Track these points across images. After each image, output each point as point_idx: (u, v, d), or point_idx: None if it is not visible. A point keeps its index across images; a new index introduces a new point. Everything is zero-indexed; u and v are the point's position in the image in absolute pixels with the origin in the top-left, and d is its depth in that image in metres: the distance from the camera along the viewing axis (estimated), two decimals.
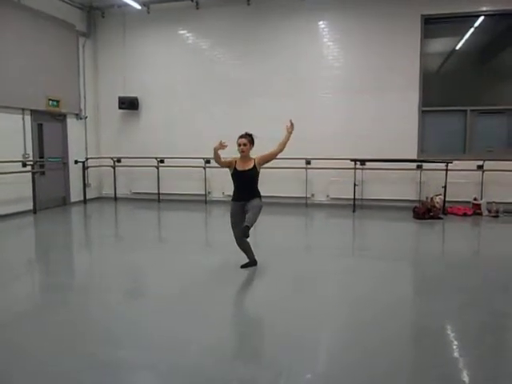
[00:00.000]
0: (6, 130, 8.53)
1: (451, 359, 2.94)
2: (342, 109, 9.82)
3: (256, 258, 4.98)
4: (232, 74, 10.39)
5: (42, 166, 9.57)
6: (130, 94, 10.89)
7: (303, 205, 9.94)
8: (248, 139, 4.90)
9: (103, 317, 3.72)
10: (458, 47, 9.61)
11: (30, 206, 8.95)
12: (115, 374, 2.72)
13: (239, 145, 4.88)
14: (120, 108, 10.89)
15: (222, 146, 4.74)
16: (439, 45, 9.91)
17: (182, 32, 10.67)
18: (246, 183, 4.90)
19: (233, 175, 4.96)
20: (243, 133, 4.97)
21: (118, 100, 10.83)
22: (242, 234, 4.60)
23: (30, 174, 8.85)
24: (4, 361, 2.90)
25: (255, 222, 4.70)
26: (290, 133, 5.13)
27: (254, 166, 4.89)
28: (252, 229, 4.60)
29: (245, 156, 4.91)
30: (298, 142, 9.86)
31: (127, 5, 10.19)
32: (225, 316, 3.81)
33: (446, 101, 9.63)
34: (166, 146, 10.72)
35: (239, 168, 4.90)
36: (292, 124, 5.10)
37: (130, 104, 10.85)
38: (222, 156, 4.87)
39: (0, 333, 3.36)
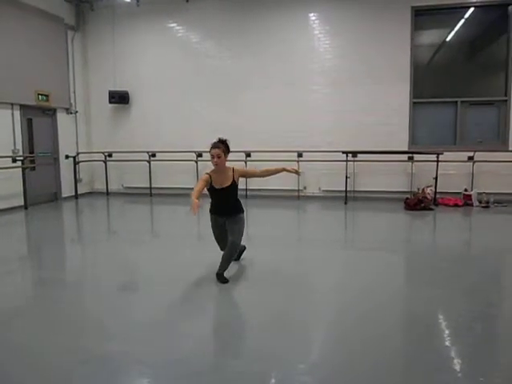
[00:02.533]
0: None
1: (443, 348, 2.97)
2: (333, 101, 9.83)
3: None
4: (222, 67, 10.35)
5: (32, 162, 9.49)
6: (120, 87, 10.81)
7: (295, 197, 9.96)
8: (222, 148, 4.17)
9: (96, 311, 3.72)
10: (448, 39, 9.64)
11: (21, 202, 8.89)
12: (108, 367, 2.72)
13: (212, 156, 4.17)
14: (110, 102, 10.82)
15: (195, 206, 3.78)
16: (430, 36, 9.93)
17: (171, 25, 10.60)
18: (225, 200, 4.32)
19: (209, 191, 4.29)
20: (216, 140, 4.25)
21: (108, 94, 10.76)
22: (221, 280, 4.19)
23: (20, 169, 8.78)
24: None
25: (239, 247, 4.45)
26: (287, 171, 4.41)
27: (233, 181, 4.27)
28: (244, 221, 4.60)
29: (220, 169, 4.26)
30: (289, 134, 9.98)
31: None
32: (218, 309, 3.82)
33: (437, 92, 9.67)
34: (157, 140, 10.68)
35: (216, 185, 4.22)
36: (297, 172, 4.60)
37: (120, 98, 10.78)
38: (197, 189, 4.03)
39: None
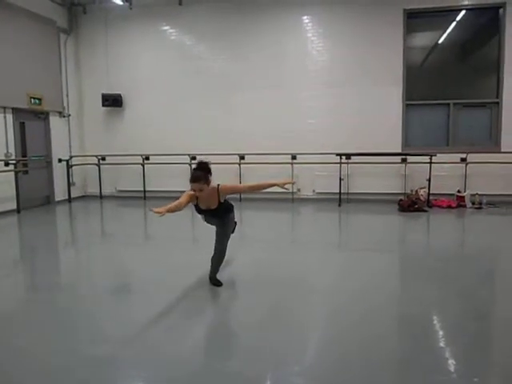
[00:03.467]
0: None
1: (437, 348, 2.98)
2: (326, 103, 9.86)
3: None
4: (216, 69, 10.35)
5: (25, 165, 9.44)
6: (113, 91, 10.78)
7: (289, 200, 9.96)
8: (202, 182, 3.81)
9: (91, 314, 3.70)
10: (440, 41, 9.71)
11: (14, 206, 8.82)
12: (104, 370, 2.71)
13: (194, 190, 3.85)
14: (104, 105, 10.78)
15: (157, 212, 3.58)
16: (422, 39, 9.99)
17: (165, 28, 10.59)
18: (213, 216, 4.15)
19: (195, 207, 4.09)
20: (193, 171, 3.95)
21: (101, 97, 10.72)
22: (214, 282, 4.21)
23: (12, 173, 8.72)
24: None
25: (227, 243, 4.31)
26: (278, 185, 4.09)
27: (219, 203, 3.99)
28: (238, 224, 4.59)
29: (204, 197, 3.94)
30: (283, 137, 9.99)
31: (109, 0, 10.09)
32: (212, 311, 3.82)
33: (430, 94, 9.73)
34: (150, 143, 10.65)
35: (202, 206, 4.02)
36: (290, 183, 4.24)
37: (113, 101, 10.74)
38: (174, 203, 3.77)
39: None
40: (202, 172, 3.85)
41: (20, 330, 3.36)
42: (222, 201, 4.01)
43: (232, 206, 4.27)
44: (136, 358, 2.87)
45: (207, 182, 3.85)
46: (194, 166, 4.10)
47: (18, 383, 2.61)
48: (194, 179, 3.82)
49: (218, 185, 3.98)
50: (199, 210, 4.09)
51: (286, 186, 3.91)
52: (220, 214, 4.12)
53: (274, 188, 4.13)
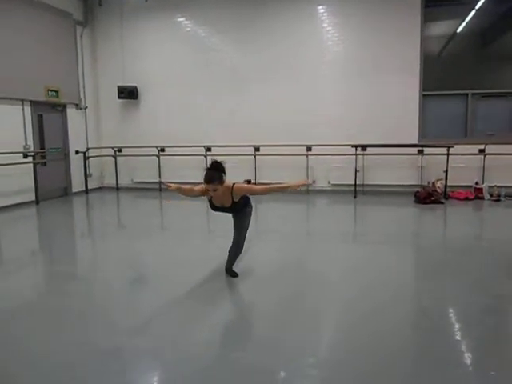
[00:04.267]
0: (6, 122, 8.50)
1: (453, 342, 2.96)
2: (342, 94, 9.77)
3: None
4: (231, 60, 10.33)
5: (43, 157, 9.58)
6: (128, 83, 10.84)
7: (304, 191, 9.94)
8: (216, 182, 3.78)
9: (106, 304, 3.77)
10: (459, 30, 9.52)
11: (33, 197, 8.98)
12: (119, 361, 2.76)
13: (208, 190, 3.84)
14: (119, 97, 10.85)
15: (166, 185, 3.90)
16: (440, 28, 9.81)
17: (180, 19, 10.58)
18: (228, 213, 4.21)
19: (209, 202, 4.10)
20: (206, 170, 3.87)
21: (117, 89, 10.79)
22: (230, 273, 4.25)
23: (31, 165, 8.86)
24: (8, 349, 2.94)
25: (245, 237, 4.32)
26: (292, 188, 4.06)
27: (233, 202, 3.98)
28: (254, 216, 4.59)
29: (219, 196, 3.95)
30: (298, 128, 9.95)
31: None
32: (227, 303, 3.85)
33: (447, 85, 9.57)
34: (166, 135, 10.70)
35: (216, 203, 4.04)
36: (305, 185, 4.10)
37: (129, 93, 10.81)
38: (187, 187, 4.01)
39: (5, 321, 3.39)
40: (215, 172, 3.82)
41: (35, 319, 3.43)
42: (236, 200, 3.98)
43: (249, 200, 4.24)
44: (150, 349, 2.91)
45: (221, 182, 3.82)
46: (209, 161, 4.12)
47: (32, 371, 2.67)
48: (208, 180, 3.79)
49: (233, 184, 3.93)
50: (214, 207, 4.11)
51: (298, 187, 3.81)
52: (234, 211, 4.15)
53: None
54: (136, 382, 2.52)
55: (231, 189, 3.91)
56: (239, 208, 4.10)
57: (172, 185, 3.85)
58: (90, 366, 2.69)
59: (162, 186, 3.52)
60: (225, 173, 3.87)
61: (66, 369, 2.67)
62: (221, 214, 4.25)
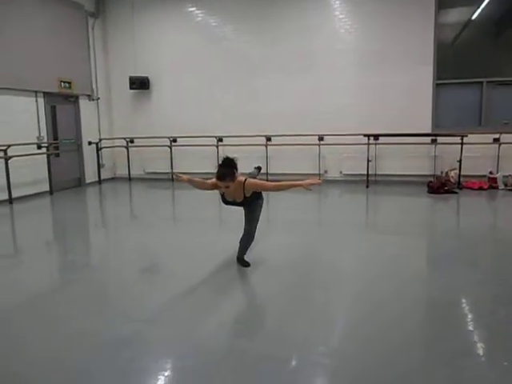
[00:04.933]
0: (20, 113, 8.60)
1: (465, 332, 2.95)
2: (354, 83, 9.68)
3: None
4: (243, 50, 10.28)
5: (56, 148, 9.67)
6: (140, 73, 10.86)
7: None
8: (228, 179, 3.79)
9: (120, 293, 3.82)
10: (473, 17, 9.34)
11: (47, 188, 9.10)
12: (132, 348, 2.80)
13: (220, 186, 3.88)
14: (131, 88, 10.88)
15: (178, 176, 3.99)
16: (454, 15, 9.63)
17: (191, 9, 10.54)
18: (240, 207, 4.22)
19: (222, 196, 4.13)
20: (218, 167, 3.88)
21: (128, 80, 10.82)
22: (242, 263, 4.28)
23: (45, 156, 8.96)
24: (23, 335, 3.00)
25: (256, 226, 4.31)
26: (303, 186, 3.76)
27: (245, 197, 4.00)
28: (265, 205, 4.59)
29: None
30: (310, 118, 9.89)
31: None
32: (239, 293, 3.87)
33: (462, 73, 9.41)
34: (178, 125, 10.73)
35: (228, 198, 4.08)
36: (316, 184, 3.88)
37: (140, 84, 10.83)
38: (198, 179, 4.05)
39: (20, 310, 3.46)
40: (227, 169, 3.82)
41: (50, 308, 3.49)
42: (248, 196, 4.00)
43: (260, 192, 4.24)
44: (163, 337, 2.95)
45: (233, 178, 3.82)
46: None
47: (47, 356, 2.73)
48: (220, 177, 3.79)
49: (245, 180, 3.93)
50: (225, 202, 4.14)
51: (310, 187, 3.79)
52: (246, 205, 4.17)
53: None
54: (148, 370, 2.55)
55: (243, 185, 3.92)
56: (251, 201, 4.12)
57: (184, 176, 3.94)
58: (104, 354, 2.74)
59: (174, 177, 3.55)
60: (237, 169, 3.87)
61: (79, 355, 2.72)
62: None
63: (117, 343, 2.85)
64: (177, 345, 2.84)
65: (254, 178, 4.49)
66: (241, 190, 3.95)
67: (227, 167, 3.82)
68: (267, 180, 4.97)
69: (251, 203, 4.16)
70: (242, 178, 3.94)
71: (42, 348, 2.84)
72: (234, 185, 3.87)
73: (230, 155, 4.01)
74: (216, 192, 4.17)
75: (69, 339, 2.94)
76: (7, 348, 2.85)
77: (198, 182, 4.03)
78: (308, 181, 3.81)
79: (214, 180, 3.90)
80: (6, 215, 7.38)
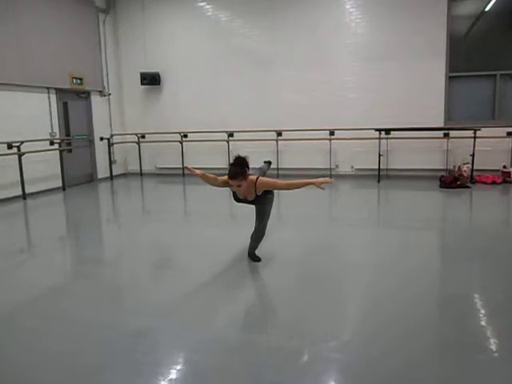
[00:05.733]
0: (32, 110, 8.68)
1: (479, 328, 2.93)
2: (365, 77, 9.61)
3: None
4: (253, 45, 10.25)
5: (68, 144, 9.76)
6: (151, 69, 10.89)
7: (327, 176, 9.87)
8: (240, 178, 3.82)
9: (133, 287, 3.85)
10: (487, 9, 9.20)
11: (59, 184, 9.19)
12: (146, 341, 2.82)
13: (232, 185, 3.92)
14: (142, 84, 10.92)
15: (191, 170, 4.04)
16: (467, 7, 9.50)
17: (201, 4, 10.53)
18: (251, 204, 4.22)
19: (233, 194, 4.17)
20: (230, 166, 3.88)
21: (139, 76, 10.85)
22: (253, 258, 4.28)
23: (57, 152, 9.04)
24: (37, 330, 3.04)
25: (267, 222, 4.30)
26: (315, 184, 3.83)
27: (257, 196, 4.04)
28: (276, 199, 4.59)
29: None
30: (321, 112, 9.85)
31: None
32: (250, 287, 3.88)
33: (475, 66, 9.30)
34: (188, 121, 10.75)
35: (240, 196, 4.10)
36: (328, 183, 3.95)
37: (151, 79, 10.86)
38: (210, 175, 4.04)
39: (34, 304, 3.51)
40: (239, 168, 3.84)
41: (63, 302, 3.53)
42: (259, 194, 4.03)
43: (271, 191, 4.26)
44: (175, 331, 2.97)
45: (245, 177, 3.86)
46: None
47: (61, 352, 2.76)
48: (232, 176, 3.82)
49: (257, 179, 3.96)
50: (237, 199, 4.18)
51: (322, 186, 3.81)
52: (257, 202, 4.18)
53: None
54: (162, 363, 2.58)
55: (255, 183, 3.95)
56: (261, 199, 4.14)
57: (197, 170, 3.98)
58: (119, 346, 2.77)
59: (186, 171, 3.57)
60: (248, 168, 3.91)
61: (93, 349, 2.75)
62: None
63: (130, 337, 2.88)
64: (189, 338, 2.86)
65: (265, 172, 4.51)
66: (252, 189, 3.98)
67: (239, 166, 3.84)
68: (278, 176, 4.96)
69: (262, 199, 4.18)
70: (254, 177, 3.97)
71: (56, 341, 2.88)
72: (246, 184, 3.91)
73: (242, 153, 4.03)
74: (227, 187, 4.18)
75: (82, 333, 2.98)
76: (22, 341, 2.90)
77: (210, 178, 4.04)
78: (320, 179, 3.84)
79: (225, 177, 3.94)
80: (19, 211, 7.48)
